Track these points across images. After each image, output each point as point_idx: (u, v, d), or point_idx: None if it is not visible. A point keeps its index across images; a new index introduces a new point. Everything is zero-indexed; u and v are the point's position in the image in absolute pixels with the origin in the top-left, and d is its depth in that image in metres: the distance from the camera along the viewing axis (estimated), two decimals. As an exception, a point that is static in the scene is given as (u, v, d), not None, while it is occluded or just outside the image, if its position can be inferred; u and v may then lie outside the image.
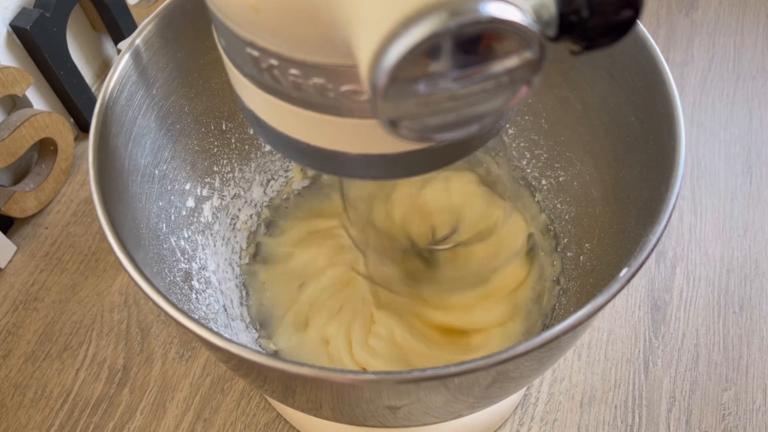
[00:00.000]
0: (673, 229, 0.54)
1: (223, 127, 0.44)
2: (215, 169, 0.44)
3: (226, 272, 0.45)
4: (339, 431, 0.42)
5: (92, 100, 0.60)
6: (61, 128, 0.57)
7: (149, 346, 0.50)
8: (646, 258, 0.27)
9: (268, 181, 0.49)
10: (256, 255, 0.48)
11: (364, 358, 0.42)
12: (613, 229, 0.37)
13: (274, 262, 0.48)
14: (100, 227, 0.28)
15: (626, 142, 0.35)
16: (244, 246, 0.47)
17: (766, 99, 0.62)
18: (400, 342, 0.43)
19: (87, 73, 0.62)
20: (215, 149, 0.44)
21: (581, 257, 0.40)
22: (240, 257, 0.47)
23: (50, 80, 0.57)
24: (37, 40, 0.52)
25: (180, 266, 0.39)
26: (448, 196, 0.46)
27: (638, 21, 0.18)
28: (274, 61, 0.20)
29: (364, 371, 0.24)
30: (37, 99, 0.57)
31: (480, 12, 0.15)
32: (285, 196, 0.50)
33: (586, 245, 0.40)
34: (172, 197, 0.40)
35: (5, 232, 0.55)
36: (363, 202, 0.44)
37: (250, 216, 0.49)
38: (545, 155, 0.44)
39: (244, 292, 0.46)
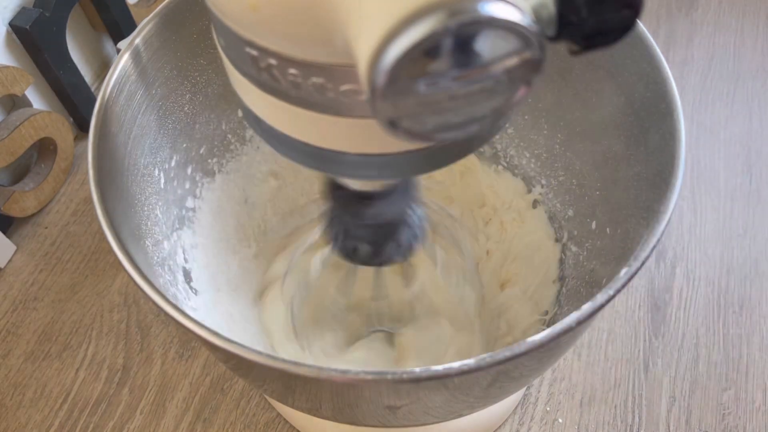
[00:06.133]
0: (673, 229, 0.54)
1: (224, 127, 0.44)
2: (215, 169, 0.44)
3: (227, 272, 0.45)
4: (339, 431, 0.42)
5: (92, 100, 0.60)
6: (61, 128, 0.57)
7: (149, 345, 0.50)
8: (647, 258, 0.27)
9: (269, 180, 0.49)
10: (257, 255, 0.48)
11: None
12: (612, 228, 0.36)
13: (276, 261, 0.48)
14: (100, 227, 0.28)
15: (626, 142, 0.35)
16: (244, 246, 0.47)
17: (766, 99, 0.62)
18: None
19: (87, 73, 0.62)
20: (215, 149, 0.44)
21: (581, 257, 0.40)
22: (241, 257, 0.47)
23: (50, 80, 0.57)
24: (37, 40, 0.52)
25: (180, 266, 0.39)
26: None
27: (638, 21, 0.18)
28: (273, 61, 0.20)
29: (364, 371, 0.24)
30: (37, 98, 0.57)
31: (479, 12, 0.15)
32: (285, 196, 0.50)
33: (586, 245, 0.40)
34: (172, 197, 0.40)
35: (5, 232, 0.55)
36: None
37: (251, 216, 0.48)
38: (545, 155, 0.44)
39: (244, 292, 0.46)
